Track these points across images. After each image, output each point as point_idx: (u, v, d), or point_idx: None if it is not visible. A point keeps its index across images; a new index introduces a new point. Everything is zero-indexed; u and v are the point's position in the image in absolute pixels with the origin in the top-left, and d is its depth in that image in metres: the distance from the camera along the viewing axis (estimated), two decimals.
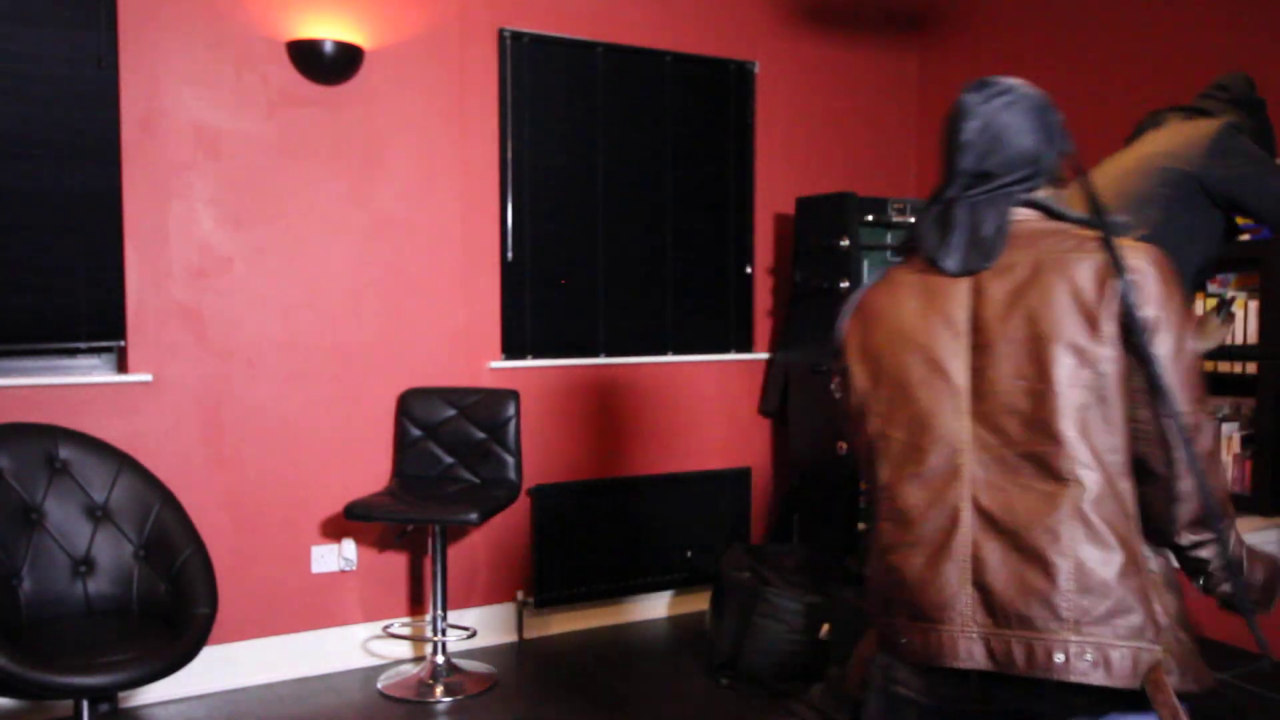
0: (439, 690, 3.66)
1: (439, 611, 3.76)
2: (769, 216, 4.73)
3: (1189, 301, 1.98)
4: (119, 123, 3.46)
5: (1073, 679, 1.35)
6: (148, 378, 3.52)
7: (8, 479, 2.99)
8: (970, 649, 1.42)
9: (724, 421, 4.62)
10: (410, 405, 3.93)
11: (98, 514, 3.09)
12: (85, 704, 2.87)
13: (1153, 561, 1.46)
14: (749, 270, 4.68)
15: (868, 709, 1.59)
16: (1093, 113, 4.19)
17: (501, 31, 4.08)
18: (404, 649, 4.00)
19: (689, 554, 4.46)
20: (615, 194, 4.33)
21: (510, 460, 3.90)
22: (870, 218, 4.32)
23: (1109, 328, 1.40)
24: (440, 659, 3.77)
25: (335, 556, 3.87)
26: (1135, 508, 1.44)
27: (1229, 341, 3.45)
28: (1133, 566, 1.40)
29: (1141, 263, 1.42)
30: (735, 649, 3.65)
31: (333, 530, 3.86)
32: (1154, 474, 1.44)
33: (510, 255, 4.14)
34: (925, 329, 1.52)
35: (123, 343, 3.51)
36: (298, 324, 3.78)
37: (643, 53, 4.38)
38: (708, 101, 4.55)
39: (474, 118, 4.05)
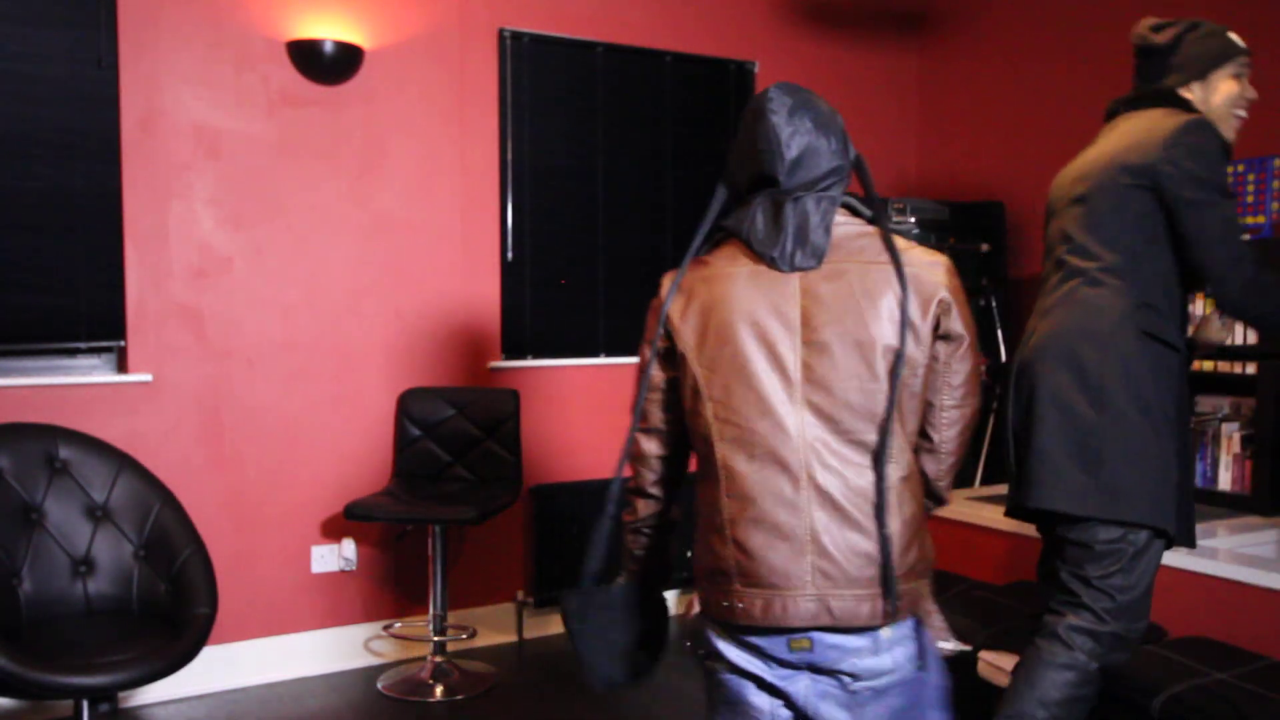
0: (439, 690, 3.66)
1: (439, 611, 3.76)
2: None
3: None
4: (119, 123, 3.46)
5: (877, 621, 1.60)
6: (148, 378, 3.52)
7: (8, 479, 2.99)
8: (811, 610, 1.59)
9: None
10: (410, 405, 3.93)
11: (98, 514, 3.09)
12: (85, 704, 2.87)
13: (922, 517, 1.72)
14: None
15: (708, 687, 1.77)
16: (1092, 113, 4.19)
17: (501, 31, 4.08)
18: (404, 649, 4.00)
19: (689, 554, 4.46)
20: (615, 194, 4.34)
21: (510, 460, 3.90)
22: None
23: (923, 334, 1.63)
24: (440, 659, 3.77)
25: (335, 556, 3.87)
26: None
27: (1230, 342, 3.45)
28: (923, 526, 1.68)
29: (945, 275, 1.66)
30: None
31: (333, 530, 3.86)
32: (930, 442, 1.73)
33: (510, 255, 4.14)
34: (760, 321, 1.64)
35: (123, 343, 3.51)
36: (298, 324, 3.78)
37: (643, 53, 4.38)
38: (708, 101, 4.56)
39: (474, 118, 4.06)
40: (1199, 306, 3.12)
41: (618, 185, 4.34)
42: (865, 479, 1.61)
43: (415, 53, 3.93)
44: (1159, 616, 2.94)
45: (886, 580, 1.58)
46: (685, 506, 1.92)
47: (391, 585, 4.00)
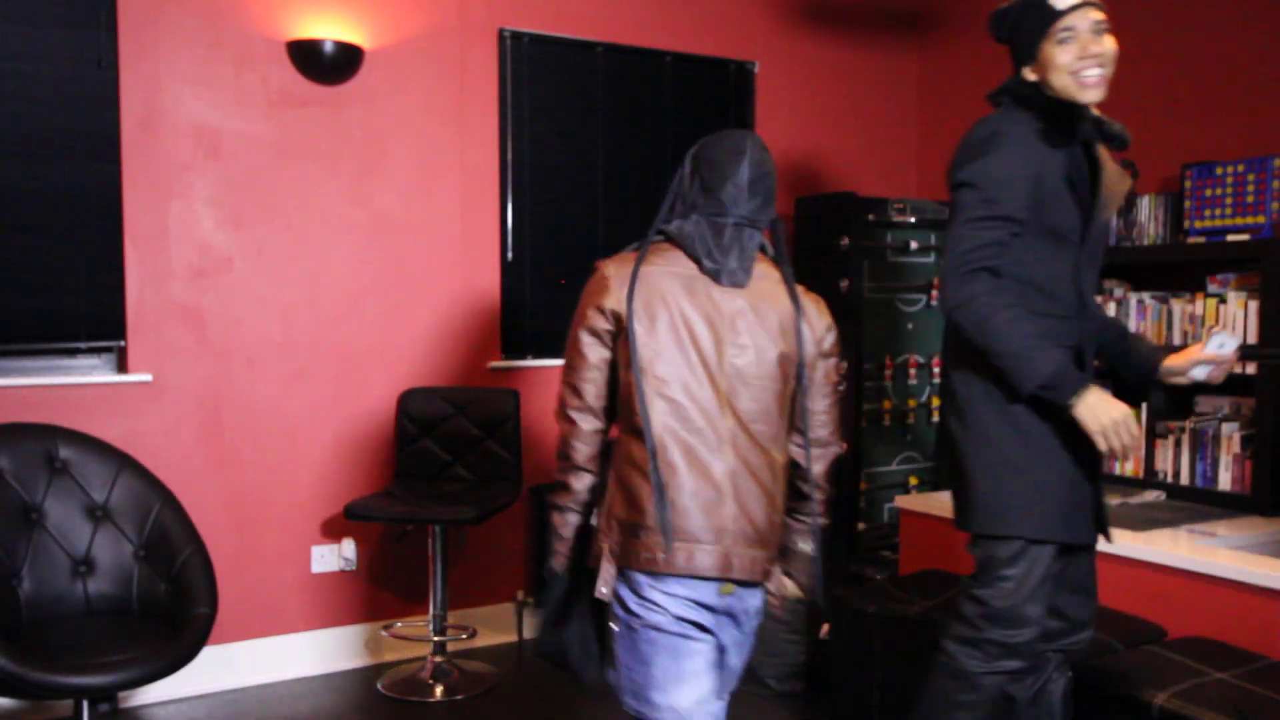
0: (439, 690, 3.66)
1: (439, 611, 3.76)
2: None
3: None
4: (119, 123, 3.46)
5: (761, 580, 1.99)
6: (148, 378, 3.52)
7: (8, 479, 2.99)
8: (724, 563, 1.92)
9: None
10: (410, 405, 3.93)
11: (98, 514, 3.09)
12: (85, 704, 2.87)
13: None
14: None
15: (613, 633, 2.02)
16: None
17: (501, 31, 4.08)
18: (404, 649, 4.00)
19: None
20: (615, 194, 4.34)
21: (510, 460, 3.90)
22: (870, 217, 4.32)
23: (812, 354, 2.04)
24: (440, 659, 3.77)
25: (335, 556, 3.87)
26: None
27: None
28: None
29: (827, 313, 2.09)
30: None
31: (333, 530, 3.86)
32: (803, 437, 2.06)
33: (510, 255, 4.14)
34: (699, 322, 1.96)
35: (123, 343, 3.51)
36: (298, 324, 3.78)
37: (643, 53, 4.38)
38: (708, 101, 4.55)
39: (474, 118, 4.06)
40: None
41: (618, 185, 4.34)
42: (764, 460, 1.96)
43: (415, 53, 3.93)
44: (1159, 616, 2.94)
45: (768, 544, 1.97)
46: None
47: (391, 585, 3.99)
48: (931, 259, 4.48)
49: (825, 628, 3.50)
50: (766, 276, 2.03)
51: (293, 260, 3.77)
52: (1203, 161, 3.62)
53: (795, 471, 2.07)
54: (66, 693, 2.63)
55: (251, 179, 3.68)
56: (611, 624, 2.00)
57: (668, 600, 1.93)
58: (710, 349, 1.95)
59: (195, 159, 3.59)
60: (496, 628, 4.16)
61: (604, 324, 1.98)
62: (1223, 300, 3.48)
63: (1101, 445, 2.09)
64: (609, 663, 2.05)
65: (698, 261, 1.98)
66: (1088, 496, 2.27)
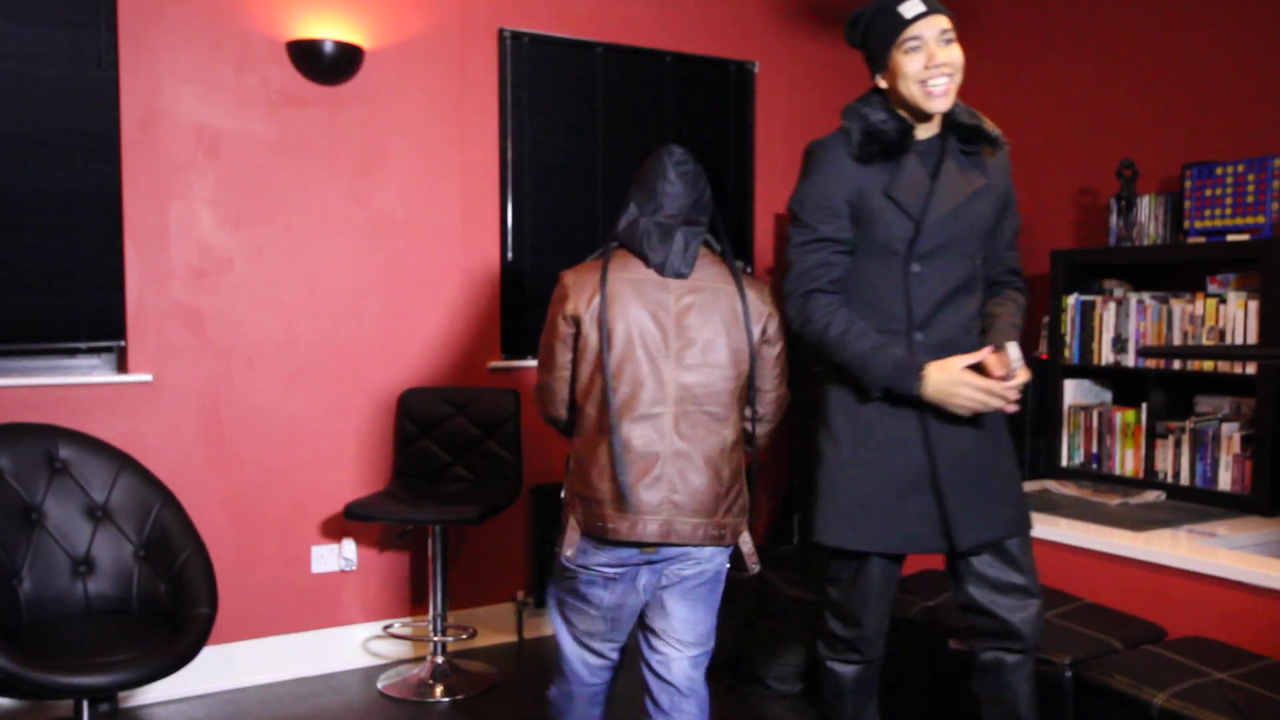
0: (439, 690, 3.66)
1: (439, 611, 3.76)
2: (769, 216, 4.73)
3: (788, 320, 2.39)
4: (119, 123, 3.46)
5: (714, 544, 2.27)
6: (148, 378, 3.52)
7: (8, 479, 2.99)
8: (653, 528, 2.21)
9: None
10: (410, 405, 3.93)
11: (98, 514, 3.09)
12: (85, 704, 2.87)
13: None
14: (749, 270, 4.69)
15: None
16: (1093, 112, 4.19)
17: (501, 31, 4.08)
18: (404, 649, 4.00)
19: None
20: (615, 194, 4.33)
21: (510, 460, 3.90)
22: None
23: (755, 339, 2.30)
24: (440, 659, 3.77)
25: (335, 556, 3.87)
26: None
27: (1229, 340, 3.45)
28: (741, 478, 2.33)
29: (770, 297, 2.35)
30: (735, 649, 3.66)
31: (333, 530, 3.87)
32: (756, 414, 2.37)
33: (510, 255, 4.15)
34: (646, 316, 2.25)
35: (123, 343, 3.51)
36: (298, 324, 3.78)
37: (643, 53, 4.38)
38: (708, 101, 4.56)
39: (474, 118, 4.06)
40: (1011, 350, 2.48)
41: (618, 185, 4.34)
42: (711, 440, 2.25)
43: (415, 53, 3.93)
44: (1159, 616, 2.94)
45: (712, 513, 2.25)
46: None
47: (391, 585, 4.00)
48: None
49: None
50: (713, 271, 2.31)
51: (293, 260, 3.77)
52: (1203, 161, 3.62)
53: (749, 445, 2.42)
54: (66, 693, 2.63)
55: (251, 179, 3.68)
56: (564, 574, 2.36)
57: (600, 558, 2.28)
58: (658, 344, 2.24)
59: (195, 159, 3.59)
60: (496, 628, 4.17)
61: (568, 329, 2.28)
62: (1223, 300, 3.48)
63: (966, 412, 2.19)
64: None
65: (644, 258, 2.28)
66: (926, 507, 2.25)
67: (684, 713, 2.40)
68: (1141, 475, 3.73)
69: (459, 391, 3.98)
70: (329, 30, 3.71)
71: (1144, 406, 3.73)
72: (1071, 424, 3.96)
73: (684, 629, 2.36)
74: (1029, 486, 3.82)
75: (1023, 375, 2.19)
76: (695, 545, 2.26)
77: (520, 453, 3.92)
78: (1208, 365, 3.54)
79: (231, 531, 3.68)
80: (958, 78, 2.20)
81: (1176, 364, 3.63)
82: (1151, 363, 3.69)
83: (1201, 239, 3.63)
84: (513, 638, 4.19)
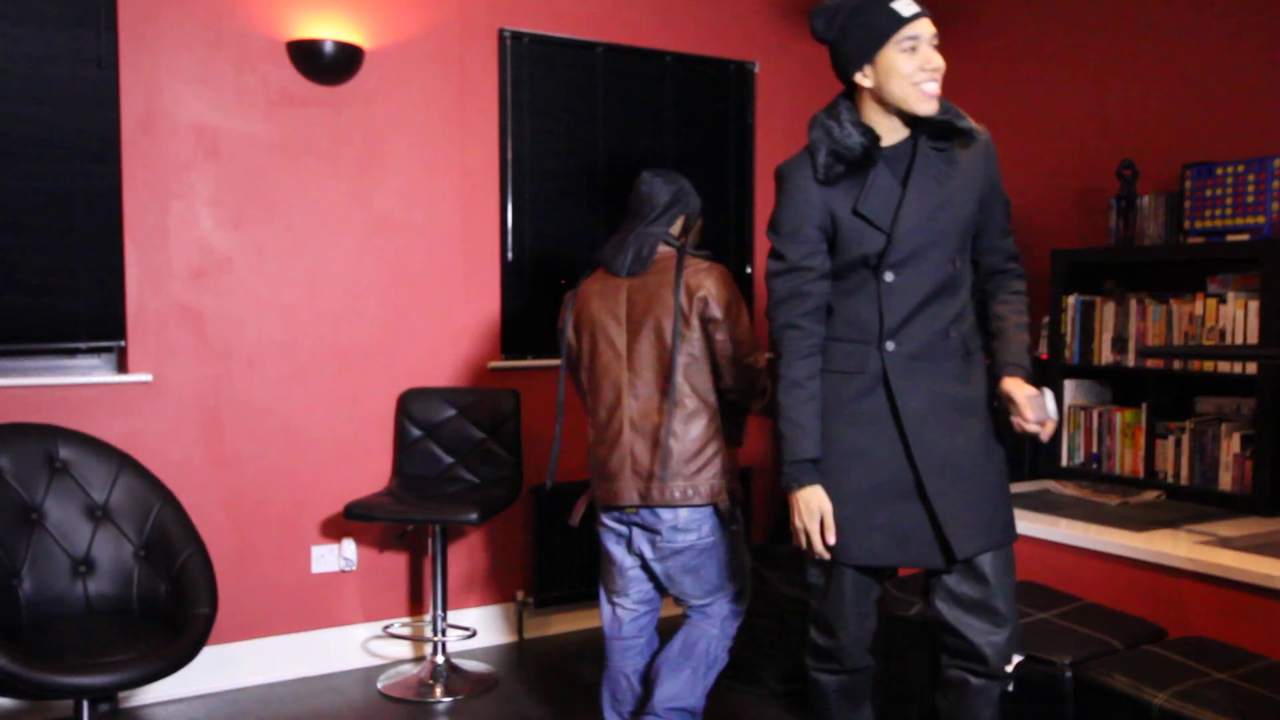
0: (439, 690, 3.66)
1: (439, 611, 3.76)
2: (769, 216, 4.73)
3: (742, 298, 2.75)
4: (119, 123, 3.46)
5: (678, 503, 2.67)
6: (148, 378, 3.52)
7: (8, 479, 2.99)
8: (629, 494, 2.72)
9: None
10: (410, 405, 3.94)
11: (98, 514, 3.09)
12: (85, 704, 2.87)
13: (718, 431, 2.73)
14: (749, 271, 4.69)
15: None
16: (1093, 112, 4.19)
17: (501, 31, 4.08)
18: (404, 649, 4.00)
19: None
20: (615, 194, 4.33)
21: (510, 460, 3.90)
22: None
23: (692, 320, 2.68)
24: (440, 659, 3.77)
25: (335, 556, 3.87)
26: (716, 410, 2.74)
27: (1229, 340, 3.45)
28: (711, 444, 2.71)
29: (710, 281, 2.69)
30: (735, 649, 3.65)
31: (333, 530, 3.86)
32: (724, 384, 2.75)
33: (510, 255, 4.15)
34: (603, 316, 2.78)
35: (123, 343, 3.51)
36: (298, 324, 3.78)
37: (643, 53, 4.38)
38: (708, 101, 4.56)
39: (474, 118, 4.06)
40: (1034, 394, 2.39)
41: (618, 186, 4.34)
42: (659, 412, 2.70)
43: (415, 53, 3.93)
44: (1159, 616, 2.94)
45: (654, 476, 2.67)
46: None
47: (391, 585, 4.00)
48: None
49: None
50: (667, 264, 2.73)
51: (293, 260, 3.77)
52: (1203, 161, 3.62)
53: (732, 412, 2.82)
54: (66, 693, 2.63)
55: (251, 179, 3.68)
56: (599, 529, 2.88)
57: (606, 520, 2.83)
58: (617, 337, 2.75)
59: (195, 159, 3.59)
60: (496, 628, 4.17)
61: (561, 343, 2.89)
62: (1223, 300, 3.48)
63: (793, 525, 2.24)
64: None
65: (608, 267, 2.79)
66: (901, 519, 2.21)
67: (694, 623, 2.89)
68: (1141, 475, 3.73)
69: (459, 391, 3.98)
70: (329, 30, 3.72)
71: (1144, 406, 3.73)
72: (1071, 424, 3.96)
73: (692, 590, 2.83)
74: (1029, 486, 3.82)
75: (1051, 426, 2.15)
76: (665, 507, 2.67)
77: (520, 453, 3.92)
78: (1208, 365, 3.54)
79: (231, 531, 3.68)
80: (939, 84, 2.21)
81: (1176, 364, 3.63)
82: (1151, 363, 3.69)
83: (1201, 239, 3.63)
84: (513, 638, 4.19)
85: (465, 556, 4.10)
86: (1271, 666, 2.58)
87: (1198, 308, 3.55)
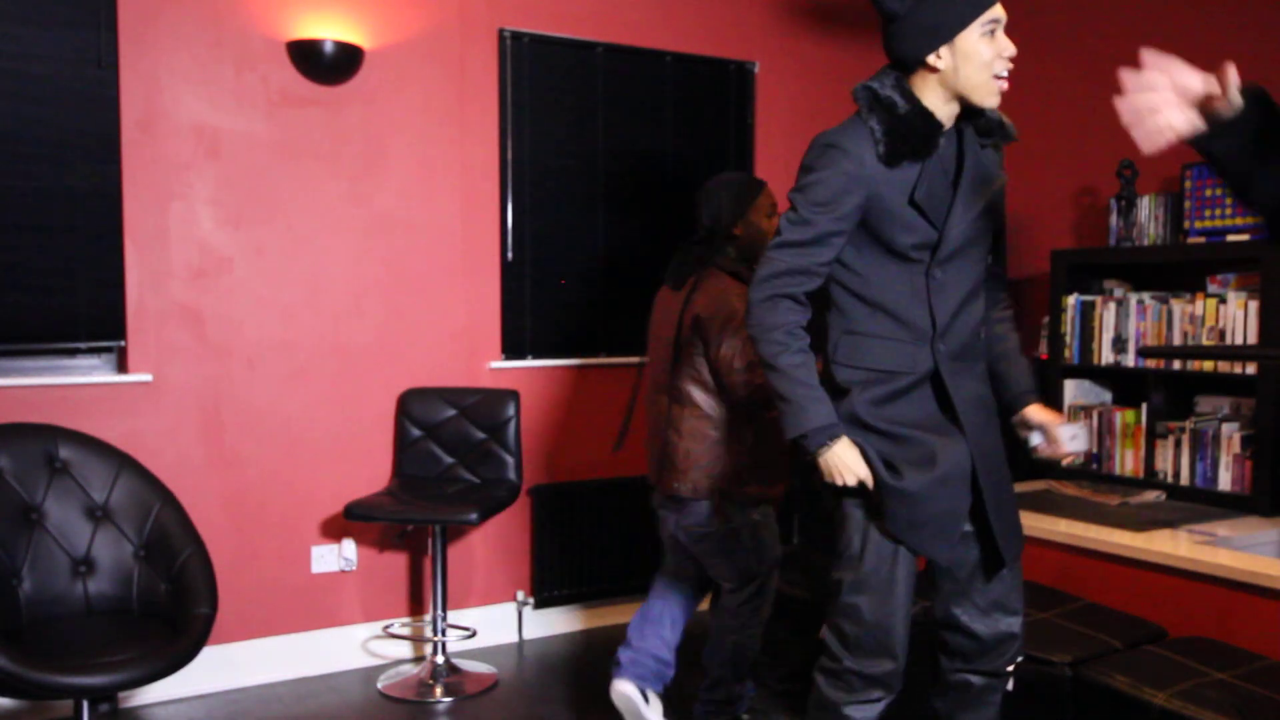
0: (439, 690, 3.66)
1: (439, 611, 3.76)
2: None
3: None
4: (119, 123, 3.46)
5: (684, 494, 2.90)
6: (148, 378, 3.52)
7: (8, 479, 2.99)
8: (654, 479, 3.00)
9: None
10: (410, 405, 3.93)
11: (98, 514, 3.09)
12: (85, 704, 2.87)
13: (719, 436, 2.89)
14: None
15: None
16: (1093, 112, 4.19)
17: (501, 31, 4.08)
18: (404, 649, 4.00)
19: None
20: (615, 194, 4.34)
21: (510, 460, 3.90)
22: None
23: (690, 333, 2.87)
24: (440, 659, 3.77)
25: (335, 556, 3.87)
26: (721, 410, 2.88)
27: (1229, 340, 3.45)
28: (714, 444, 2.88)
29: (704, 299, 2.85)
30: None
31: (333, 530, 3.86)
32: (723, 390, 2.87)
33: (510, 255, 4.14)
34: (653, 325, 3.10)
35: (123, 343, 3.51)
36: (298, 324, 3.78)
37: (643, 53, 4.38)
38: (708, 101, 4.55)
39: (474, 118, 4.06)
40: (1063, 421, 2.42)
41: (618, 185, 4.34)
42: (663, 412, 2.96)
43: (415, 53, 3.93)
44: (1159, 616, 2.94)
45: (668, 469, 2.92)
46: None
47: (391, 585, 3.99)
48: None
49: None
50: (695, 278, 2.93)
51: (293, 260, 3.77)
52: (1203, 162, 3.62)
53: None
54: (66, 693, 2.63)
55: (251, 179, 3.68)
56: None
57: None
58: (654, 346, 3.07)
59: (195, 159, 3.59)
60: (496, 628, 4.17)
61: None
62: (1223, 300, 3.48)
63: (836, 480, 2.10)
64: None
65: (667, 280, 3.07)
66: (960, 509, 2.17)
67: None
68: (1141, 475, 3.73)
69: (459, 392, 3.98)
70: (329, 30, 3.71)
71: (1144, 406, 3.74)
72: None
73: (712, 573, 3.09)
74: (1029, 486, 3.82)
75: (1076, 454, 2.17)
76: (668, 495, 2.95)
77: (520, 453, 3.92)
78: (1208, 365, 3.54)
79: (231, 531, 3.68)
80: None
81: (1176, 364, 3.63)
82: (1151, 363, 3.69)
83: (1201, 239, 3.63)
84: (513, 638, 4.19)
85: (465, 556, 4.10)
86: (1271, 666, 2.58)
87: (1198, 308, 3.55)
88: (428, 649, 3.85)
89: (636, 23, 4.36)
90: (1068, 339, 3.94)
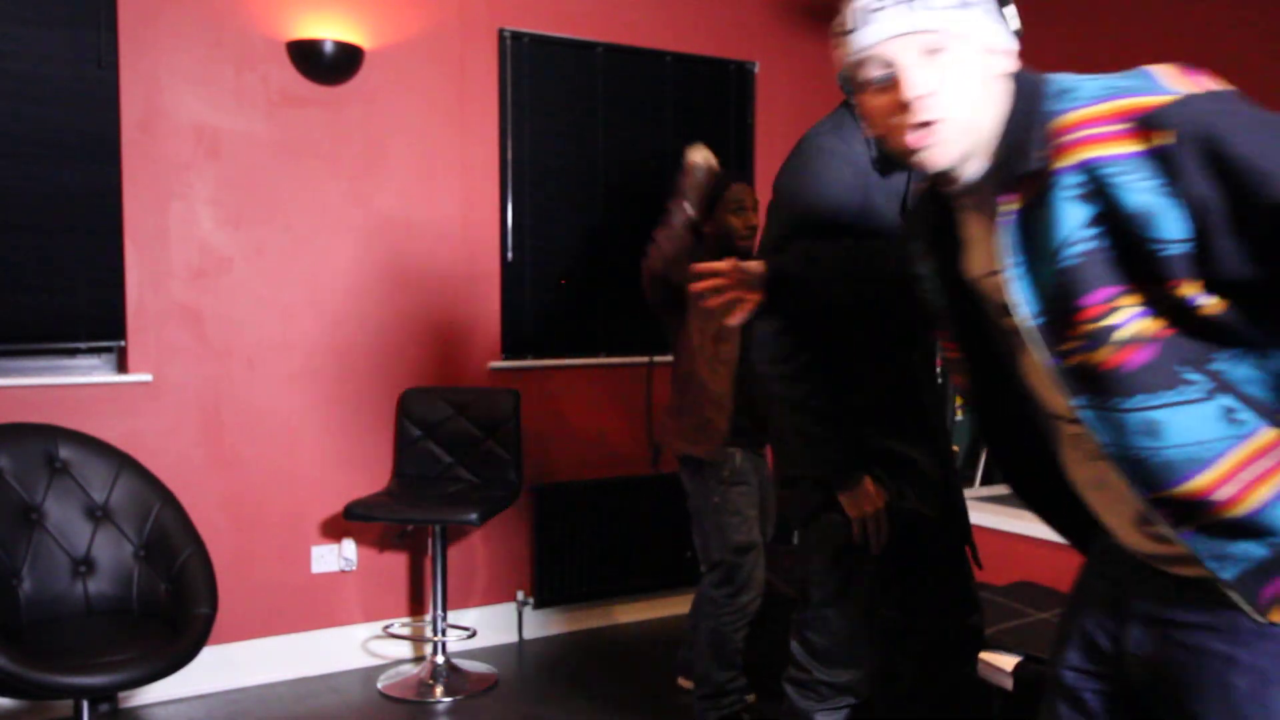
0: (439, 690, 3.66)
1: (439, 611, 3.76)
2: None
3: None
4: (119, 123, 3.46)
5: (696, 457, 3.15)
6: (148, 378, 3.52)
7: (8, 479, 2.99)
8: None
9: None
10: (410, 405, 3.93)
11: (98, 514, 3.09)
12: (85, 704, 2.87)
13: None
14: None
15: None
16: None
17: (501, 31, 4.08)
18: (404, 649, 4.00)
19: (689, 554, 4.45)
20: (615, 194, 4.33)
21: (510, 460, 3.90)
22: None
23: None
24: (440, 659, 3.77)
25: (335, 556, 3.87)
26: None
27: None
28: (695, 402, 3.12)
29: None
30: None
31: (333, 530, 3.86)
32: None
33: (510, 255, 4.14)
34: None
35: (123, 343, 3.51)
36: (298, 324, 3.78)
37: (643, 53, 4.38)
38: (708, 101, 4.55)
39: (474, 118, 4.05)
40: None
41: (618, 185, 4.34)
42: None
43: (415, 53, 3.92)
44: None
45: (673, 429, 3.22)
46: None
47: (391, 585, 3.99)
48: None
49: None
50: None
51: (293, 260, 3.76)
52: None
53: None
54: (66, 693, 2.63)
55: (251, 179, 3.68)
56: None
57: None
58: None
59: (195, 159, 3.59)
60: (496, 628, 4.16)
61: None
62: None
63: (853, 514, 2.06)
64: None
65: None
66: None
67: None
68: None
69: (459, 392, 3.98)
70: (329, 30, 3.71)
71: None
72: None
73: None
74: None
75: None
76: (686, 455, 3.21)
77: (520, 453, 3.92)
78: None
79: (231, 531, 3.68)
80: None
81: None
82: None
83: None
84: (513, 638, 4.19)
85: (465, 556, 4.10)
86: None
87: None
88: (428, 649, 3.84)
89: (636, 23, 4.36)
90: None
